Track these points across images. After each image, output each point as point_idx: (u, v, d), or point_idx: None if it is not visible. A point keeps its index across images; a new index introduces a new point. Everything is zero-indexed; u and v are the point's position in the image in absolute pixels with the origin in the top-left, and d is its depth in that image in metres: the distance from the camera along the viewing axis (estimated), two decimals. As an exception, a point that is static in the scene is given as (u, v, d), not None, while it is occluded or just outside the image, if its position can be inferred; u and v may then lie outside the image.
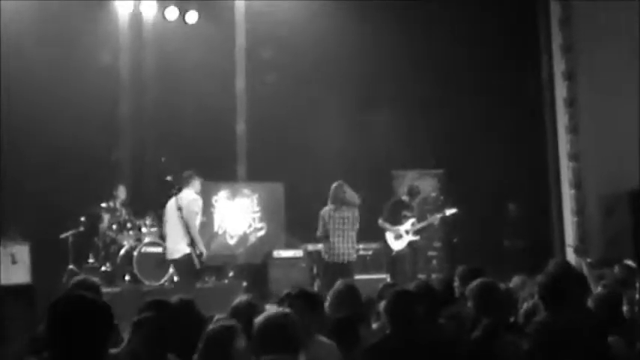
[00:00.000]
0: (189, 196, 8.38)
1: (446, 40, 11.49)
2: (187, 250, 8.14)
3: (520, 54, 11.47)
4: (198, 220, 8.34)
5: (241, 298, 4.59)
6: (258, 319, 3.44)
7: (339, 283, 5.11)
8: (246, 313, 4.42)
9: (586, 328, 4.37)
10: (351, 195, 8.77)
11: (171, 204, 8.36)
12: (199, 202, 8.48)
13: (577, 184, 10.48)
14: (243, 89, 11.79)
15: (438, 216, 10.07)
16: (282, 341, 3.34)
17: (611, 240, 9.71)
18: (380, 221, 9.88)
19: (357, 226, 8.75)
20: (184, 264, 8.24)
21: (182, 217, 8.16)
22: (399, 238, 9.88)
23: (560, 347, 4.12)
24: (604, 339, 4.41)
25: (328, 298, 4.93)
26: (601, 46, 10.40)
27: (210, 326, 3.59)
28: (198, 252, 8.16)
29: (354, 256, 8.82)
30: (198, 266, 8.19)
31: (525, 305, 5.09)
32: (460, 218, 10.69)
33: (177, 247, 8.22)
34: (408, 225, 9.90)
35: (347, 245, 8.65)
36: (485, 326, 4.52)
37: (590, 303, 5.04)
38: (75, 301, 2.77)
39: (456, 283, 5.52)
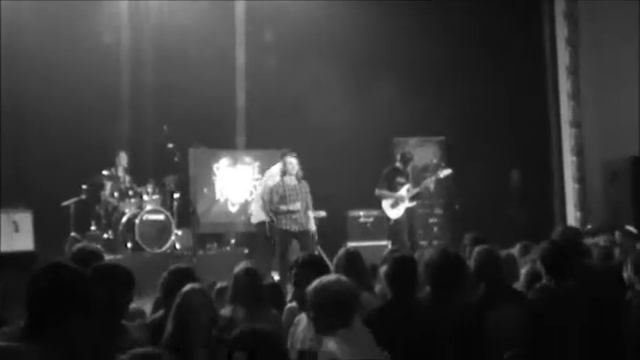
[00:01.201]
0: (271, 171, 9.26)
1: (451, 8, 11.40)
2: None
3: (524, 21, 11.40)
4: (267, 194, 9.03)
5: (242, 264, 4.62)
6: (315, 287, 3.46)
7: (342, 249, 5.13)
8: (247, 279, 4.47)
9: (585, 296, 4.40)
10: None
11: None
12: (269, 180, 9.22)
13: (579, 152, 10.48)
14: (243, 60, 11.73)
15: (433, 178, 9.98)
16: (339, 307, 3.39)
17: (612, 206, 9.72)
18: (376, 190, 9.84)
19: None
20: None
21: None
22: (396, 205, 9.84)
23: (560, 313, 4.15)
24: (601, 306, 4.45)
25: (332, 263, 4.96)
26: (604, 14, 10.33)
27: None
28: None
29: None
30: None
31: (525, 270, 5.10)
32: (462, 185, 10.70)
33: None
34: (403, 191, 9.85)
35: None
36: (482, 292, 4.55)
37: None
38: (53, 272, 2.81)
39: (466, 250, 5.53)
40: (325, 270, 4.33)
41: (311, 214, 8.94)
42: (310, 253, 5.12)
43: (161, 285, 4.37)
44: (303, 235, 8.73)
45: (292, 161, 8.77)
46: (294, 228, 8.67)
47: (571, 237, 5.74)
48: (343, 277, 3.58)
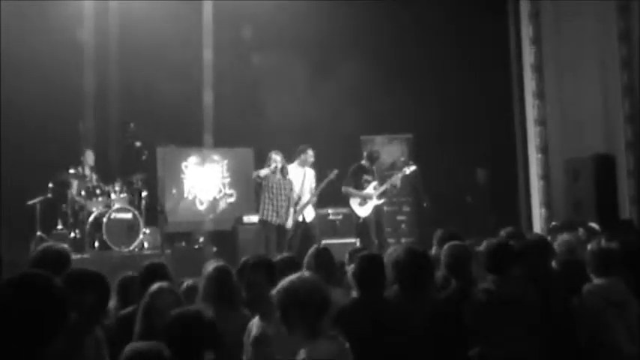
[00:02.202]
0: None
1: (414, 5, 11.49)
2: None
3: (489, 20, 11.52)
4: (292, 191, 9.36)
5: (214, 263, 4.62)
6: (280, 288, 3.38)
7: (313, 247, 5.16)
8: (218, 277, 4.47)
9: (534, 294, 4.46)
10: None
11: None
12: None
13: (543, 149, 10.62)
14: (211, 58, 11.66)
15: (399, 175, 10.10)
16: (306, 306, 3.30)
17: (575, 203, 9.88)
18: (343, 188, 9.94)
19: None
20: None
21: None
22: (364, 203, 9.94)
23: (502, 314, 4.22)
24: (562, 303, 4.53)
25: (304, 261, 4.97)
26: (566, 13, 10.48)
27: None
28: None
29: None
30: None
31: None
32: (429, 182, 10.79)
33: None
34: (370, 189, 9.95)
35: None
36: (455, 287, 4.62)
37: (555, 267, 5.18)
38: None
39: (434, 247, 5.60)
40: (274, 270, 4.24)
41: (291, 210, 9.23)
42: (260, 254, 5.13)
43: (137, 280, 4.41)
44: (280, 229, 9.08)
45: (276, 158, 9.09)
46: (276, 221, 9.06)
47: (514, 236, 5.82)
48: (309, 275, 3.50)
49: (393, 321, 4.03)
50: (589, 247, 5.17)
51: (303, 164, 9.66)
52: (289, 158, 9.63)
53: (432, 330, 4.13)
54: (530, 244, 5.14)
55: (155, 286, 3.82)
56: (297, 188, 9.53)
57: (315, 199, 9.77)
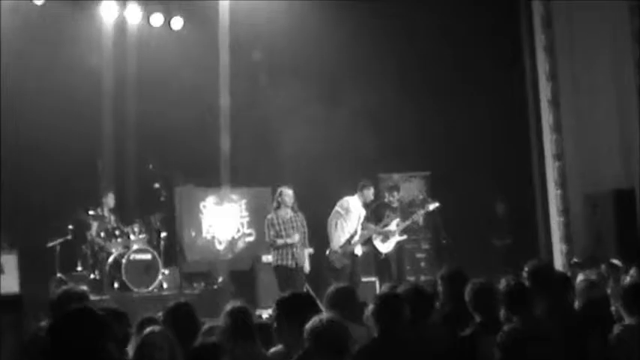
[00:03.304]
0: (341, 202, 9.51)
1: (430, 41, 11.54)
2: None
3: (504, 55, 11.55)
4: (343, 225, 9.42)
5: (233, 303, 4.61)
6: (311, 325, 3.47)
7: (335, 285, 5.15)
8: (239, 318, 4.46)
9: (558, 332, 4.40)
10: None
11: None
12: (340, 209, 9.46)
13: (562, 184, 10.55)
14: (228, 96, 11.76)
15: (422, 212, 10.09)
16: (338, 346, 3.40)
17: (596, 239, 9.78)
18: (364, 225, 9.88)
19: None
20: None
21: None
22: (386, 240, 9.91)
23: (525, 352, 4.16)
24: (585, 341, 4.45)
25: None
26: (582, 47, 10.49)
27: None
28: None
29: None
30: None
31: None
32: (448, 219, 10.74)
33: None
34: (393, 225, 9.93)
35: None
36: (477, 325, 4.59)
37: (577, 304, 5.10)
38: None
39: (439, 285, 5.57)
40: (310, 309, 4.28)
41: (306, 250, 9.03)
42: (295, 292, 5.10)
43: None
44: (298, 272, 8.79)
45: (288, 192, 8.86)
46: (291, 264, 8.73)
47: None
48: (336, 317, 3.58)
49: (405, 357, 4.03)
50: (610, 283, 5.10)
51: (363, 199, 9.51)
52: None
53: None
54: (552, 282, 5.07)
55: (148, 329, 3.81)
56: (354, 223, 9.44)
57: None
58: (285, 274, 8.70)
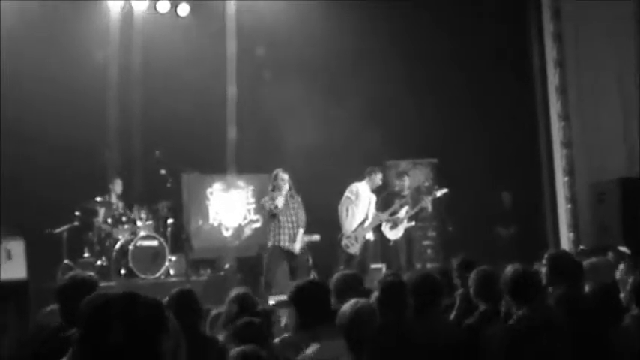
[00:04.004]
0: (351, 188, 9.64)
1: (437, 30, 11.50)
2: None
3: (511, 42, 11.50)
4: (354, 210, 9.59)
5: (238, 290, 4.62)
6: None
7: (341, 272, 5.15)
8: (243, 304, 4.47)
9: (561, 321, 4.37)
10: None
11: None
12: (350, 195, 9.58)
13: (570, 172, 10.52)
14: (234, 83, 11.75)
15: (430, 198, 10.09)
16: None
17: (602, 227, 9.76)
18: (374, 213, 9.90)
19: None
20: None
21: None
22: (395, 227, 9.93)
23: (534, 341, 4.14)
24: (597, 330, 4.43)
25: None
26: (590, 35, 10.44)
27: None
28: None
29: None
30: None
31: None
32: (454, 206, 10.73)
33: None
34: (402, 213, 9.94)
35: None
36: (482, 313, 4.58)
37: (588, 293, 5.07)
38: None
39: (455, 274, 5.58)
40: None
41: (300, 231, 9.06)
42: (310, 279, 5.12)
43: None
44: (289, 254, 8.96)
45: (284, 177, 8.97)
46: (288, 246, 8.90)
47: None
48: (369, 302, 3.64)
49: (409, 346, 4.02)
50: (618, 270, 5.07)
51: (371, 184, 9.65)
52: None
53: (446, 356, 4.10)
54: (564, 269, 5.05)
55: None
56: (364, 209, 9.56)
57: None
58: (277, 253, 8.86)
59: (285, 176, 8.98)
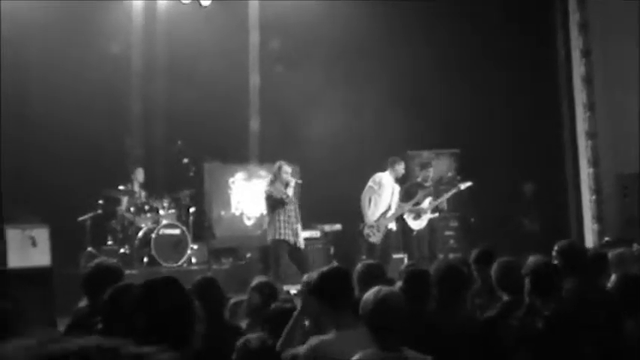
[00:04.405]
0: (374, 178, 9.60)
1: (461, 20, 11.41)
2: None
3: (537, 32, 11.38)
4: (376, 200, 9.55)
5: (260, 279, 4.63)
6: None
7: (364, 261, 5.14)
8: (265, 293, 4.48)
9: (601, 311, 4.33)
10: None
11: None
12: (373, 184, 9.52)
13: (595, 163, 10.42)
14: (257, 73, 11.75)
15: (454, 190, 10.06)
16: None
17: (627, 219, 9.66)
18: (398, 204, 9.87)
19: None
20: None
21: None
22: (418, 217, 9.91)
23: (573, 330, 4.10)
24: (619, 321, 4.38)
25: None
26: (616, 24, 10.30)
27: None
28: None
29: None
30: None
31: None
32: (477, 197, 10.67)
33: None
34: (425, 203, 9.92)
35: None
36: (503, 305, 4.55)
37: (611, 284, 5.02)
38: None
39: (473, 266, 5.53)
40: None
41: (300, 225, 9.11)
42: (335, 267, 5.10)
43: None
44: (296, 246, 8.98)
45: (287, 169, 8.96)
46: (292, 240, 8.89)
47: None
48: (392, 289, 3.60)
49: (432, 336, 4.00)
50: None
51: (394, 174, 9.63)
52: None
53: (466, 346, 4.08)
54: (586, 260, 5.01)
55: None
56: (387, 198, 9.54)
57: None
58: (282, 247, 8.83)
59: (289, 169, 9.00)
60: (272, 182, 9.01)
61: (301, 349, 3.64)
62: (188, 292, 2.73)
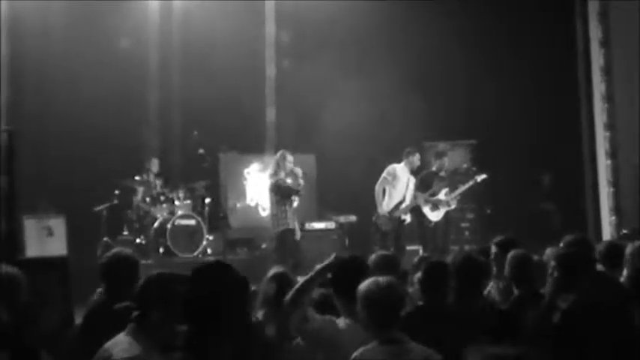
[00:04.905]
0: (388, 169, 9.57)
1: (478, 9, 11.34)
2: None
3: (555, 21, 11.27)
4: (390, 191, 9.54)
5: (276, 269, 4.61)
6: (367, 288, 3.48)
7: (379, 252, 5.13)
8: (282, 284, 4.46)
9: (615, 303, 4.29)
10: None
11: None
12: (387, 175, 9.50)
13: (612, 154, 10.32)
14: (273, 64, 11.73)
15: (471, 183, 10.01)
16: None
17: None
18: (414, 194, 9.83)
19: None
20: None
21: None
22: (436, 208, 9.87)
23: (589, 324, 4.06)
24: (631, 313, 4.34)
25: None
26: (636, 14, 10.17)
27: None
28: None
29: None
30: None
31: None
32: (493, 188, 10.61)
33: None
34: (442, 194, 9.88)
35: None
36: (516, 298, 4.54)
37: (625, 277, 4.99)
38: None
39: (494, 252, 5.47)
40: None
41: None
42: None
43: None
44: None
45: (290, 158, 9.01)
46: (297, 230, 9.08)
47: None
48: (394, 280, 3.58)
49: (450, 327, 3.98)
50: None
51: (410, 166, 9.63)
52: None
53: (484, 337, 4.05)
54: (600, 253, 4.98)
55: None
56: (402, 190, 9.53)
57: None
58: (291, 237, 8.92)
59: (291, 158, 9.00)
60: (275, 172, 8.97)
61: (309, 327, 3.63)
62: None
